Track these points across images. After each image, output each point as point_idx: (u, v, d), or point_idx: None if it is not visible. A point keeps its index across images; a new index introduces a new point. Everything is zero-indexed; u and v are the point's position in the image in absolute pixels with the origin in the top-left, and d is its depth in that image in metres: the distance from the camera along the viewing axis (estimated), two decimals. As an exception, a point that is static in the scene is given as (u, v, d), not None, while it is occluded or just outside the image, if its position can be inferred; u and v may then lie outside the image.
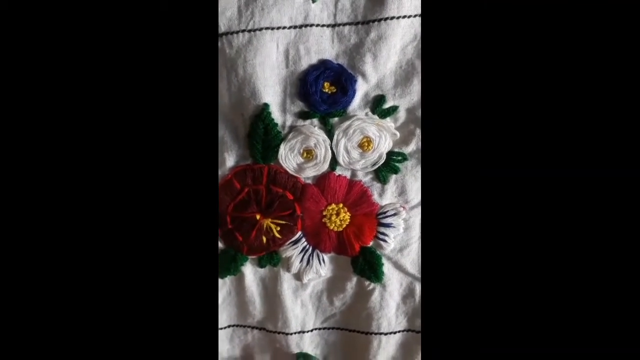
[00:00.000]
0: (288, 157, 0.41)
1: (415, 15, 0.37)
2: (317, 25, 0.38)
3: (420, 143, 0.39)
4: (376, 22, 0.37)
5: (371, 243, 0.43)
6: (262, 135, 0.40)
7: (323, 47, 0.39)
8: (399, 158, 0.40)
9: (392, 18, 0.37)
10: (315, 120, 0.40)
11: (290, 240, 0.43)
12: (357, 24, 0.38)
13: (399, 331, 0.45)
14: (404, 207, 0.41)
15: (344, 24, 0.38)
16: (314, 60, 0.39)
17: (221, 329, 0.47)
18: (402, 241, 0.42)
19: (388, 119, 0.40)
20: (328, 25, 0.38)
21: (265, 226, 0.43)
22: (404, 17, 0.37)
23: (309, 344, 0.47)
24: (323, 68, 0.39)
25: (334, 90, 0.39)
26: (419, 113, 0.39)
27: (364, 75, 0.39)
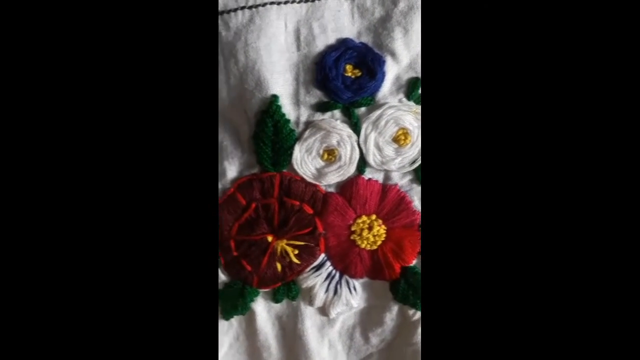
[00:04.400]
0: (304, 161, 0.33)
1: (450, -21, 0.31)
2: None
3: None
4: (405, -10, 0.31)
5: (414, 262, 0.34)
6: (272, 135, 0.32)
7: (341, 23, 0.32)
8: (442, 153, 0.33)
9: (424, -17, 0.31)
10: (337, 112, 0.32)
11: (312, 266, 0.35)
12: (381, -7, 0.31)
13: (451, 370, 0.36)
14: (450, 214, 0.34)
15: (366, -6, 0.32)
16: (331, 39, 0.32)
17: (229, 384, 0.38)
18: (450, 257, 0.34)
19: (426, 105, 0.32)
20: (346, -3, 0.32)
21: (279, 250, 0.34)
22: (437, -19, 0.31)
23: (341, 395, 0.38)
24: (343, 48, 0.32)
25: (359, 74, 0.32)
26: (461, 97, 0.32)
27: (393, 55, 0.32)
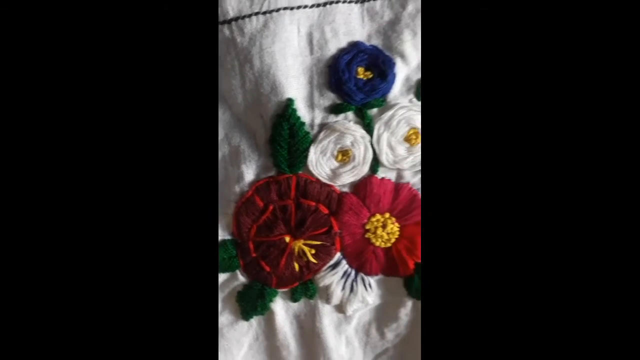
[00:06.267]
0: (319, 162, 0.34)
1: (456, -18, 0.32)
2: (344, 1, 0.32)
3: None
4: (413, -7, 0.32)
5: (428, 257, 0.35)
6: (288, 138, 0.33)
7: (352, 27, 0.33)
8: (453, 151, 0.34)
9: (431, -14, 0.32)
10: (350, 114, 0.33)
11: (328, 265, 0.36)
12: (390, -4, 0.32)
13: (466, 362, 0.37)
14: (462, 210, 0.34)
15: (375, -2, 0.32)
16: (342, 43, 0.33)
17: (250, 384, 0.38)
18: (463, 251, 0.35)
19: (436, 105, 0.33)
20: (357, 1, 0.32)
21: (297, 250, 0.35)
22: (444, -16, 0.32)
23: (359, 390, 0.38)
24: (355, 51, 0.32)
25: (371, 76, 0.33)
26: (470, 96, 0.33)
27: (403, 57, 0.33)
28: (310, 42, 0.33)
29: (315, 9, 0.32)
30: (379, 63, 0.32)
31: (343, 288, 0.36)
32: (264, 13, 0.32)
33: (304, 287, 0.36)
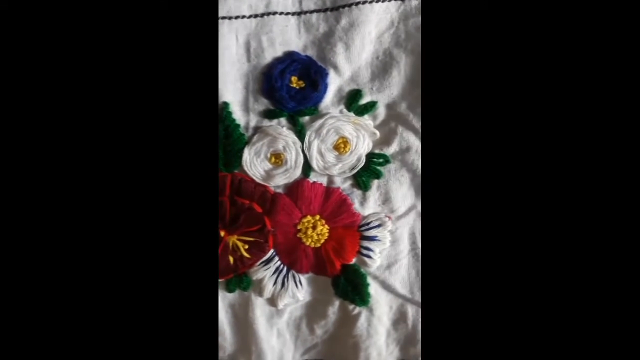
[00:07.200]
0: (254, 163, 0.36)
1: (390, -1, 0.33)
2: (281, 13, 0.34)
3: (403, 143, 0.35)
4: (347, 8, 0.33)
5: (354, 260, 0.37)
6: (223, 138, 0.35)
7: (288, 37, 0.34)
8: (381, 160, 0.35)
9: (365, 2, 0.33)
10: (283, 120, 0.35)
11: (262, 260, 0.38)
12: (325, 10, 0.34)
13: (391, 362, 0.39)
14: (389, 217, 0.36)
15: (311, 11, 0.34)
16: (278, 52, 0.34)
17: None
18: (390, 257, 0.37)
19: (366, 116, 0.35)
20: (293, 13, 0.34)
21: (231, 244, 0.37)
22: (378, 1, 0.33)
23: (288, 380, 0.40)
24: (289, 60, 0.34)
25: (303, 85, 0.35)
26: (400, 109, 0.34)
27: (335, 68, 0.34)
28: (248, 50, 0.34)
29: (253, 19, 0.34)
30: (312, 73, 0.34)
31: (275, 283, 0.38)
32: (204, 21, 0.34)
33: (239, 279, 0.39)
